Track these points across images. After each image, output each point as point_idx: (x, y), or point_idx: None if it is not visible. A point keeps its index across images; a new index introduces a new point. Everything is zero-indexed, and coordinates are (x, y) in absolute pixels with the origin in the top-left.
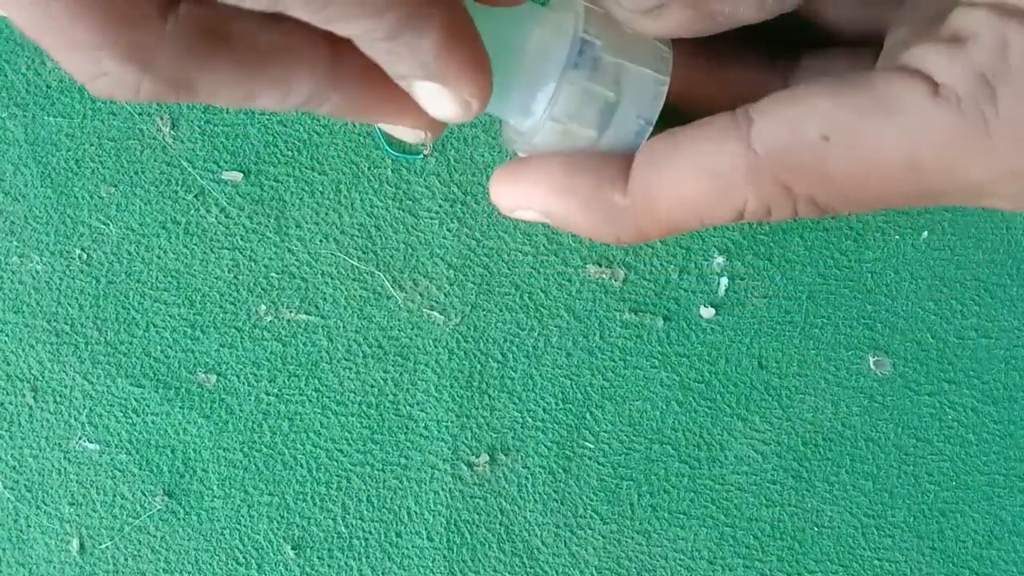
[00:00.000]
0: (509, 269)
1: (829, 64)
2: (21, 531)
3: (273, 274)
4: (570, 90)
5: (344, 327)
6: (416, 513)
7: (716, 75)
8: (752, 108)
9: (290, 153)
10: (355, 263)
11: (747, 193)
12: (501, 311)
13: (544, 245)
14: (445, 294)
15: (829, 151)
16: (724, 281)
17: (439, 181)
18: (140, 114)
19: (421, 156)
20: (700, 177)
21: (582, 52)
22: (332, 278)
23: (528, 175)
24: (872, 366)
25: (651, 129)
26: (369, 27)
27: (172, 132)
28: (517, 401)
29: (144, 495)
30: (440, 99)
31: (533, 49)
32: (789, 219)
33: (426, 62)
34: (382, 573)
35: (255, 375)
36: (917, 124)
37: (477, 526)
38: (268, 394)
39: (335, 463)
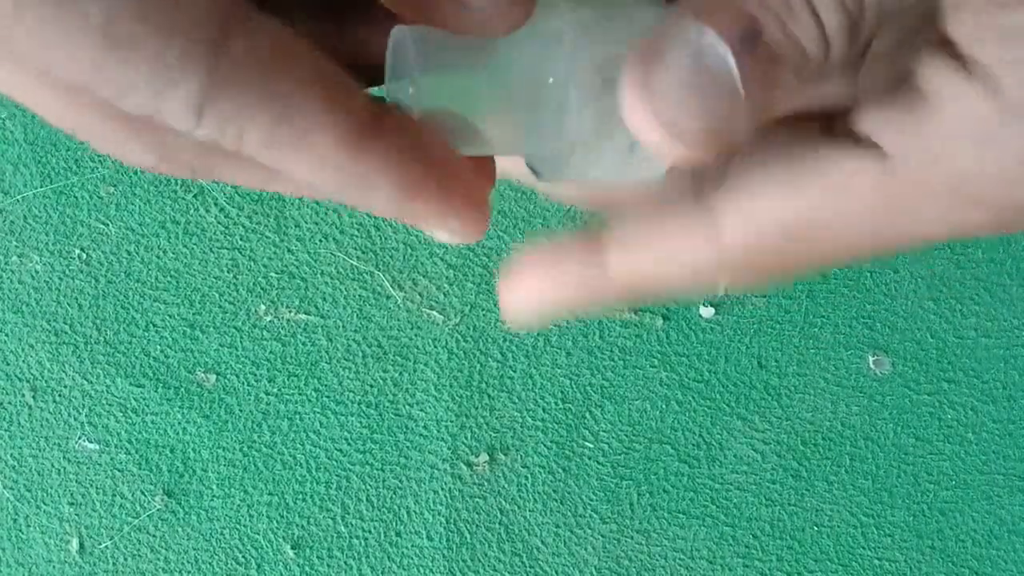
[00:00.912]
0: None
1: None
2: (21, 531)
3: (272, 274)
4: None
5: (343, 327)
6: (416, 512)
7: None
8: (714, 197)
9: None
10: (354, 263)
11: (720, 279)
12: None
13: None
14: (444, 294)
15: (793, 244)
16: (719, 290)
17: None
18: None
19: None
20: (674, 268)
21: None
22: (331, 278)
23: (522, 293)
24: (871, 365)
25: None
26: (323, 189)
27: None
28: (516, 401)
29: (143, 495)
30: (435, 232)
31: (532, 80)
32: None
33: (392, 211)
34: (382, 572)
35: (255, 375)
36: (871, 202)
37: (477, 525)
38: (268, 394)
39: (335, 463)
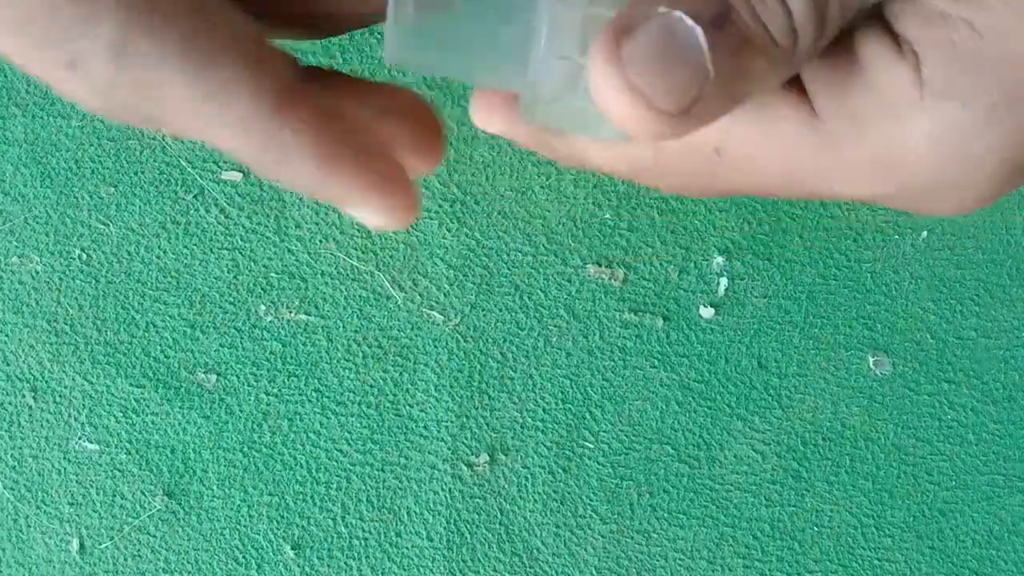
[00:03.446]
0: (509, 269)
1: None
2: (21, 531)
3: (273, 274)
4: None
5: (344, 327)
6: (416, 513)
7: None
8: None
9: None
10: (355, 263)
11: (651, 177)
12: (501, 311)
13: (544, 245)
14: (445, 294)
15: (720, 162)
16: (724, 281)
17: (439, 181)
18: None
19: None
20: (619, 159)
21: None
22: (332, 278)
23: (495, 114)
24: (872, 366)
25: None
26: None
27: None
28: (517, 401)
29: (144, 495)
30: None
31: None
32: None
33: (311, 185)
34: (382, 573)
35: (255, 375)
36: (794, 153)
37: (477, 526)
38: (268, 394)
39: (335, 463)
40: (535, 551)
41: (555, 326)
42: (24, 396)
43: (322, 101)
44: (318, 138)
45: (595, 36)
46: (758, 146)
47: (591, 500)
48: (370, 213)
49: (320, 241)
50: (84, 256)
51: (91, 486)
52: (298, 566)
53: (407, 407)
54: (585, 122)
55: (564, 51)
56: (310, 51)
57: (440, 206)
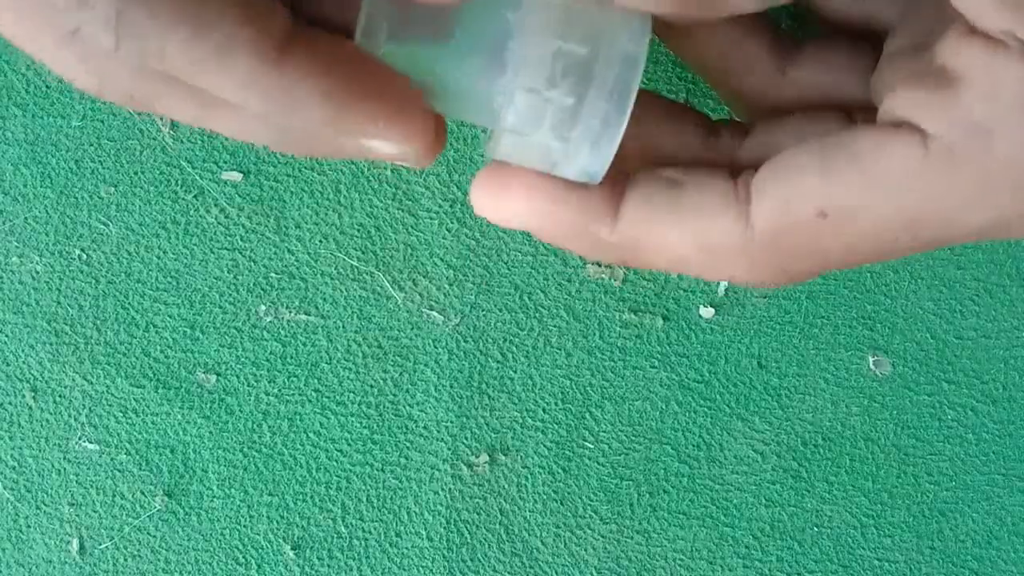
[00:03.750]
0: (509, 269)
1: (829, 58)
2: (21, 531)
3: (273, 274)
4: (538, 55)
5: (344, 327)
6: (416, 513)
7: (712, 37)
8: (752, 183)
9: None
10: (355, 263)
11: (739, 267)
12: (501, 311)
13: (544, 245)
14: (445, 294)
15: (826, 227)
16: (724, 281)
17: (439, 181)
18: (140, 114)
19: None
20: (694, 244)
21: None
22: (332, 278)
23: (513, 194)
24: (871, 366)
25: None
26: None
27: (172, 132)
28: (517, 401)
29: (144, 495)
30: (383, 150)
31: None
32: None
33: (329, 127)
34: (382, 573)
35: (255, 375)
36: (911, 186)
37: (477, 526)
38: (268, 394)
39: (335, 463)
40: (535, 551)
41: (555, 326)
42: (24, 396)
43: (323, 41)
44: (324, 75)
45: (565, 72)
46: (870, 194)
47: (591, 500)
48: (390, 143)
49: (320, 241)
50: (84, 256)
51: (91, 486)
52: (298, 566)
53: (407, 407)
54: (550, 159)
55: (532, 84)
56: None
57: (440, 206)
